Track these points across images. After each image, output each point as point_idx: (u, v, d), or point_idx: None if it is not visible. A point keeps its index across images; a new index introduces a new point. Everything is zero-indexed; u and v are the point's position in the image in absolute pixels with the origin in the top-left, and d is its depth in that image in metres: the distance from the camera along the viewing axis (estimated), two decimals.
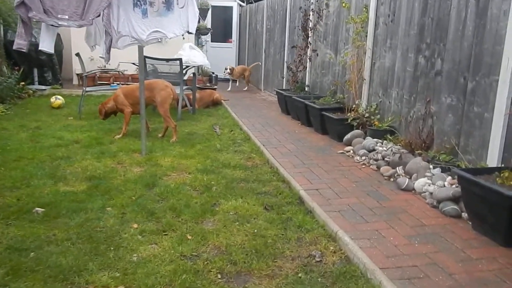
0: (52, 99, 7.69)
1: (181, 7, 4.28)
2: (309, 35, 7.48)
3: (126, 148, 5.10)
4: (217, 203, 3.61)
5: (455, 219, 3.27)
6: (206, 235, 3.00)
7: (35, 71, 9.41)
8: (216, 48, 12.88)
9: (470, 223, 3.14)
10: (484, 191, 2.87)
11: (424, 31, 4.61)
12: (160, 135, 5.82)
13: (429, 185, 3.70)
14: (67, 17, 3.64)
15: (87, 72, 7.34)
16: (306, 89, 7.85)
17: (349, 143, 5.30)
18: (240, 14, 13.73)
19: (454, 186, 3.52)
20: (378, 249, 2.77)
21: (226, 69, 10.82)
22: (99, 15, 3.73)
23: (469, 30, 3.94)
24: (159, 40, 4.35)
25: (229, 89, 10.89)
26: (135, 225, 3.13)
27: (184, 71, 7.35)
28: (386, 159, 4.47)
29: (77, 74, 10.25)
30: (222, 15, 13.33)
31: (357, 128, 5.46)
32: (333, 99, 6.48)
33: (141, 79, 4.90)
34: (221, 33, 13.42)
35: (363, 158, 4.76)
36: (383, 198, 3.69)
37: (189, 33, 4.67)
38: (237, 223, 3.22)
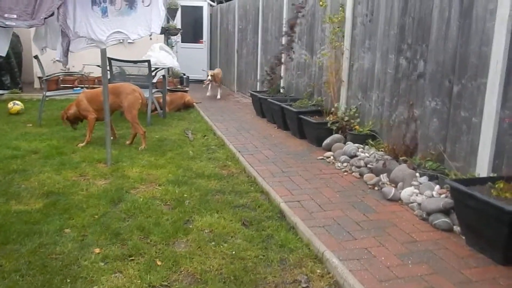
0: (10, 105, 7.13)
1: (147, 5, 3.90)
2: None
3: (89, 158, 4.69)
4: (191, 219, 3.28)
5: (447, 233, 3.05)
6: (178, 259, 2.67)
7: None
8: (186, 49, 12.47)
9: (464, 237, 2.93)
10: (481, 204, 2.66)
11: (404, 32, 4.42)
12: (127, 142, 5.43)
13: (417, 195, 3.48)
14: (15, 16, 3.19)
15: (48, 76, 6.83)
16: (282, 91, 7.58)
17: (329, 148, 5.06)
18: (211, 14, 13.37)
19: (443, 196, 3.32)
20: (370, 272, 2.51)
21: (207, 75, 9.77)
22: (52, 14, 3.30)
23: (453, 30, 3.77)
24: (121, 41, 3.95)
25: (209, 95, 10.04)
26: (97, 250, 2.76)
27: (153, 73, 6.95)
28: (369, 166, 4.25)
29: (39, 77, 9.61)
30: (192, 15, 12.94)
31: (337, 132, 5.22)
32: (310, 102, 6.23)
33: (105, 83, 4.50)
34: (191, 33, 13.02)
35: (345, 164, 4.52)
36: (369, 210, 3.45)
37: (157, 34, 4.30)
38: (212, 243, 2.90)
